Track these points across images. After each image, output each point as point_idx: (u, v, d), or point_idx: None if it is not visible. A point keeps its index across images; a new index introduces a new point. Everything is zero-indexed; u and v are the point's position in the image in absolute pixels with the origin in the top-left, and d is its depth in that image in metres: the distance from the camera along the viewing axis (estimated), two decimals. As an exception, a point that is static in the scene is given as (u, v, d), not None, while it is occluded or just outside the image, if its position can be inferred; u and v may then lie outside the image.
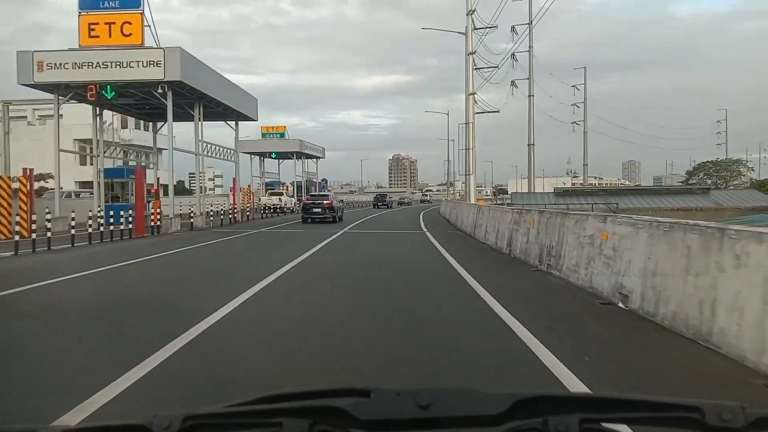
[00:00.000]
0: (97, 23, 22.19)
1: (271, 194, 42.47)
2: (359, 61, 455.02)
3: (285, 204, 40.68)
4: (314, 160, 65.60)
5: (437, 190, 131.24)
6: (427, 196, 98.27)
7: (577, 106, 57.91)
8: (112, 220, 18.25)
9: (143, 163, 32.51)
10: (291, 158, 56.60)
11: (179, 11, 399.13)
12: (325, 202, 27.06)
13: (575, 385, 4.01)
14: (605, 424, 0.90)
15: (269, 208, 38.78)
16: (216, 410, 0.89)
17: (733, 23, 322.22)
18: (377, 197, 62.83)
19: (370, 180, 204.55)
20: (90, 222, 17.01)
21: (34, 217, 15.52)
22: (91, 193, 27.67)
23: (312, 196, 29.44)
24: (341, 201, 32.77)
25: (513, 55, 35.65)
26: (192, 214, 24.26)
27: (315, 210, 26.62)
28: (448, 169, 78.88)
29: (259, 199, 39.75)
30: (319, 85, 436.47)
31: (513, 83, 37.72)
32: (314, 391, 0.93)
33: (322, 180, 71.88)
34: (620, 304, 6.78)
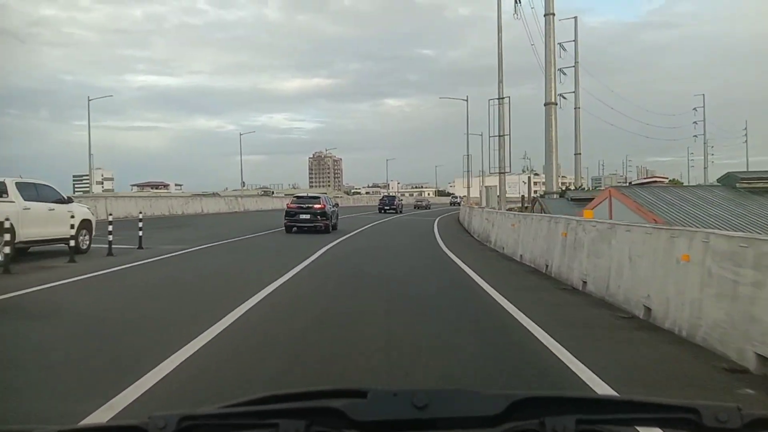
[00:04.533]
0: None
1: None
2: (281, 63, 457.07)
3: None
4: None
5: (367, 192, 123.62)
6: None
7: (564, 73, 45.02)
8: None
9: None
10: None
11: (88, 9, 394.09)
12: (315, 206, 23.24)
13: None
14: (602, 425, 0.91)
15: None
16: (212, 411, 0.91)
17: (639, 33, 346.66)
18: (384, 200, 52.60)
19: (289, 181, 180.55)
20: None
21: None
22: None
23: (299, 198, 25.01)
24: (336, 205, 27.64)
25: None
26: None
27: (302, 216, 23.03)
28: (468, 161, 56.27)
29: None
30: (240, 87, 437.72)
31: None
32: (311, 392, 0.94)
33: None
34: None
